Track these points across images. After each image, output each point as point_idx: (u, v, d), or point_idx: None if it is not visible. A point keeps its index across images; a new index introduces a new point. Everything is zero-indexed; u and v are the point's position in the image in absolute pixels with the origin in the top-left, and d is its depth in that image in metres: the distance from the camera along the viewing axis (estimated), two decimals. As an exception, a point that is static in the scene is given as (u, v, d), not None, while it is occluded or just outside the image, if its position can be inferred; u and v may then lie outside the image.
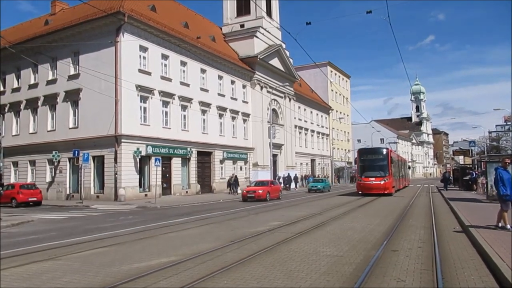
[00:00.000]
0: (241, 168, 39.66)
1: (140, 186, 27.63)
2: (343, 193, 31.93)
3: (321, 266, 6.77)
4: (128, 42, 26.79)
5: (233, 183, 32.98)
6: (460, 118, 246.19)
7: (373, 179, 26.73)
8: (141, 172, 27.78)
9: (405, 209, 17.15)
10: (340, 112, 70.41)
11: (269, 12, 45.63)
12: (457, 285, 5.65)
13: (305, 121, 55.58)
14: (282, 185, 41.55)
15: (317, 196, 30.03)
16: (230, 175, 34.91)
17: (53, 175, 29.54)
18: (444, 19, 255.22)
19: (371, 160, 27.94)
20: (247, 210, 18.30)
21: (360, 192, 27.45)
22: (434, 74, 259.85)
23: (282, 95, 47.38)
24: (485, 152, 52.33)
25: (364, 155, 28.69)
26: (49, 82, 30.09)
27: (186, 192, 31.48)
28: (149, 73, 28.64)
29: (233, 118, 38.85)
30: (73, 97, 28.53)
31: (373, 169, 27.21)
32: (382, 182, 26.43)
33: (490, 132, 59.32)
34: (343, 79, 74.78)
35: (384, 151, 28.22)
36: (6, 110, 32.49)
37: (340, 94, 70.34)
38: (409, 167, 57.65)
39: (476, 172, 31.83)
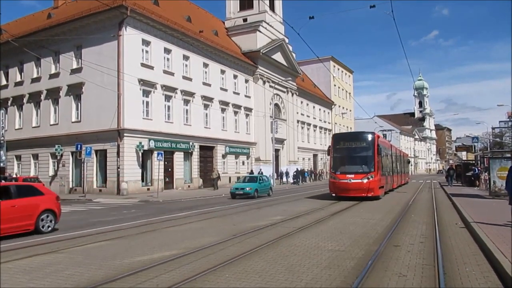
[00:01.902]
0: (243, 163, 39.69)
1: (142, 180, 27.70)
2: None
3: (322, 261, 6.79)
4: (131, 36, 26.74)
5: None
6: (463, 114, 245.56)
7: (352, 176, 19.24)
8: (143, 166, 27.84)
9: (407, 205, 17.13)
10: (343, 107, 70.23)
11: (272, 6, 45.43)
12: (458, 280, 5.65)
13: (308, 116, 55.48)
14: (293, 179, 41.51)
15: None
16: (214, 169, 33.23)
17: (56, 168, 29.65)
18: (448, 14, 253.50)
19: (349, 150, 20.53)
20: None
21: (333, 195, 20.00)
22: (437, 69, 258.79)
23: (285, 90, 47.27)
24: (488, 148, 52.12)
25: (340, 142, 20.98)
26: (52, 76, 30.10)
27: (189, 186, 31.55)
28: (151, 67, 28.61)
29: (236, 113, 38.81)
30: (75, 91, 28.55)
31: (352, 162, 20.05)
32: (365, 181, 19.03)
33: (493, 128, 59.00)
34: (346, 74, 74.50)
35: (369, 137, 20.38)
36: (9, 103, 32.55)
37: (343, 89, 70.11)
38: (409, 162, 48.30)
39: (479, 168, 31.75)
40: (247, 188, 22.74)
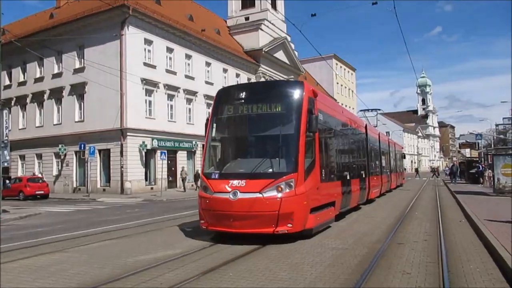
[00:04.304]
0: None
1: (146, 180, 27.78)
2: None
3: (326, 259, 6.78)
4: (133, 35, 26.78)
5: None
6: (466, 110, 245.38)
7: (242, 184, 8.07)
8: (146, 165, 27.91)
9: (411, 203, 17.08)
10: (346, 105, 69.99)
11: (273, 4, 45.36)
12: (462, 277, 5.63)
13: (310, 114, 55.25)
14: None
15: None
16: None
17: (59, 168, 29.77)
18: (451, 10, 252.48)
19: (244, 121, 9.24)
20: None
21: (205, 227, 8.73)
22: (440, 66, 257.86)
23: (287, 88, 47.10)
24: (492, 145, 51.90)
25: (229, 105, 9.25)
26: (55, 76, 30.21)
27: (192, 185, 31.57)
28: (154, 66, 28.65)
29: (238, 111, 38.74)
30: (78, 90, 28.64)
31: (247, 152, 9.29)
32: (279, 195, 7.89)
33: (497, 125, 58.68)
34: (348, 71, 74.35)
35: (289, 92, 8.94)
36: (12, 103, 32.68)
37: (345, 87, 69.98)
38: (404, 156, 35.68)
39: (483, 165, 31.65)
40: None
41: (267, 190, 7.87)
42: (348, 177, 12.22)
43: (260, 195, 7.84)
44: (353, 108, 74.16)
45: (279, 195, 7.85)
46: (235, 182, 8.10)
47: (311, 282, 5.44)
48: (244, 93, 9.09)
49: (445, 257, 6.70)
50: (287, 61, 46.86)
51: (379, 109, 25.17)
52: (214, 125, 9.35)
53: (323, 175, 9.40)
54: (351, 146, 13.92)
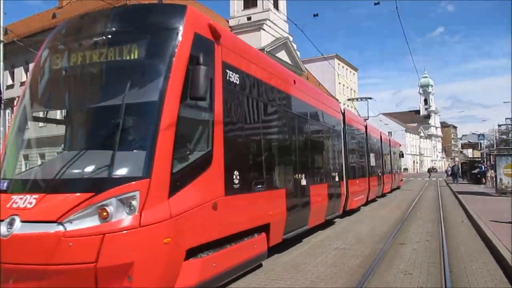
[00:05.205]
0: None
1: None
2: None
3: (328, 259, 6.79)
4: (135, 35, 26.79)
5: None
6: (469, 111, 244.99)
7: (32, 201, 3.99)
8: (148, 165, 27.92)
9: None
10: (348, 105, 69.99)
11: (276, 5, 45.34)
12: (464, 278, 5.63)
13: (312, 114, 55.24)
14: None
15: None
16: None
17: (62, 168, 29.82)
18: (453, 10, 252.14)
19: (73, 80, 4.89)
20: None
21: None
22: (443, 66, 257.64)
23: (289, 88, 47.10)
24: (494, 146, 51.74)
25: (57, 52, 5.05)
26: (57, 76, 30.26)
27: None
28: (156, 66, 28.66)
29: (240, 111, 38.76)
30: (81, 90, 28.68)
31: (73, 138, 5.85)
32: (101, 227, 3.73)
33: (499, 125, 58.49)
34: (350, 71, 74.32)
35: (157, 23, 4.73)
36: (15, 103, 32.74)
37: (347, 87, 69.96)
38: (402, 155, 32.78)
39: (485, 166, 31.58)
40: None
41: (75, 215, 3.81)
42: (303, 183, 8.17)
43: (60, 228, 3.76)
44: (355, 108, 74.12)
45: (103, 226, 3.78)
46: (19, 200, 4.11)
47: (313, 282, 5.44)
48: (82, 30, 5.06)
49: (447, 257, 6.69)
50: (289, 61, 46.82)
51: (370, 98, 23.03)
52: (29, 91, 5.46)
53: (236, 181, 5.36)
54: (312, 137, 9.43)
